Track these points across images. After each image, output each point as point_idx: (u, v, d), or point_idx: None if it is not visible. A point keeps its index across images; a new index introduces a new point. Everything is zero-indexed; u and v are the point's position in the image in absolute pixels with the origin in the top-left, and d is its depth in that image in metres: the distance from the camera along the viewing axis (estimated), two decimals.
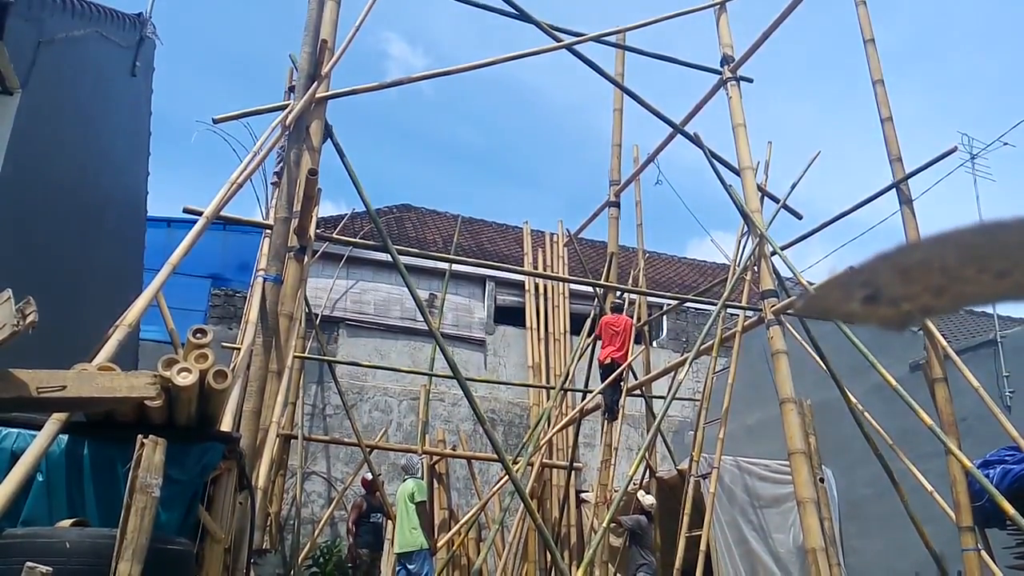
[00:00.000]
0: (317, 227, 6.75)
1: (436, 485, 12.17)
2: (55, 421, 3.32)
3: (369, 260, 13.92)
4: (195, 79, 41.96)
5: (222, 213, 5.48)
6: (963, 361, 7.44)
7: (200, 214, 5.14)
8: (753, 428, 11.56)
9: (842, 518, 10.14)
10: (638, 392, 10.72)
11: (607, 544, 9.62)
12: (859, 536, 10.13)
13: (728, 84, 8.65)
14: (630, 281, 12.63)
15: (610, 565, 9.91)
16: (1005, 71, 40.26)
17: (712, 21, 9.19)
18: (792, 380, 7.24)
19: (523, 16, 8.19)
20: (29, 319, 3.09)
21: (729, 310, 9.33)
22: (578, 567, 6.93)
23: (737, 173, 8.46)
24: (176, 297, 8.15)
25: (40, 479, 3.46)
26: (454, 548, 11.48)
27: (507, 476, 7.32)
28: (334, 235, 9.02)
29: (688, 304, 14.57)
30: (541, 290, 14.85)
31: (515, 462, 9.03)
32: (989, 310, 10.28)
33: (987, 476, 6.56)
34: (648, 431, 10.20)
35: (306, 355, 11.70)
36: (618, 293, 11.01)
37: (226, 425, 4.28)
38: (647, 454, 9.53)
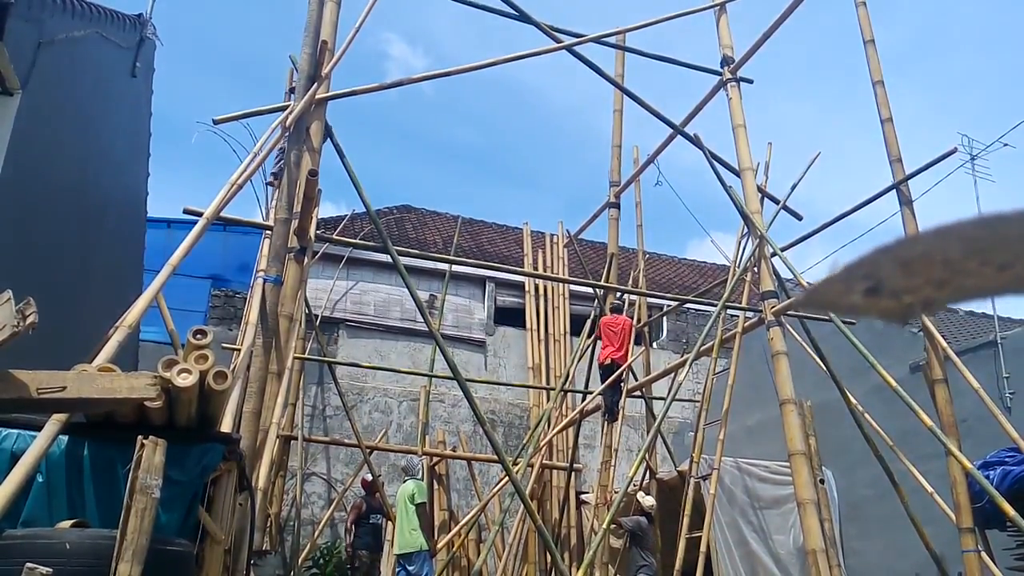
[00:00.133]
0: (317, 228, 6.75)
1: (436, 486, 12.17)
2: (55, 422, 3.32)
3: (369, 261, 13.91)
4: (195, 79, 42.00)
5: (222, 214, 5.48)
6: (963, 362, 7.44)
7: (200, 215, 5.14)
8: (753, 429, 11.56)
9: (842, 519, 10.13)
10: (638, 393, 10.72)
11: (607, 545, 9.61)
12: (859, 537, 10.12)
13: (728, 85, 8.65)
14: (630, 282, 12.63)
15: (610, 566, 9.90)
16: (1005, 71, 40.30)
17: (712, 22, 9.19)
18: (792, 381, 7.24)
19: (523, 17, 8.19)
20: (29, 320, 3.08)
21: (729, 311, 9.32)
22: (578, 568, 6.93)
23: (737, 174, 8.46)
24: (176, 298, 8.16)
25: (40, 480, 3.46)
26: (454, 549, 11.47)
27: (507, 477, 7.31)
28: (334, 236, 9.02)
29: (688, 305, 14.57)
30: (541, 291, 14.85)
31: (515, 463, 9.03)
32: (989, 311, 10.28)
33: (987, 477, 6.56)
34: (648, 432, 10.20)
35: (306, 356, 11.70)
36: (618, 294, 11.01)
37: (226, 426, 4.28)
38: (647, 455, 9.53)
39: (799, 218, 10.14)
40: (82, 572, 3.03)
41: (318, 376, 13.24)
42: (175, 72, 38.74)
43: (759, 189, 9.14)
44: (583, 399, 11.10)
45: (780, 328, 7.59)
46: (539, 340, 14.39)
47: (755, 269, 8.41)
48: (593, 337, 10.53)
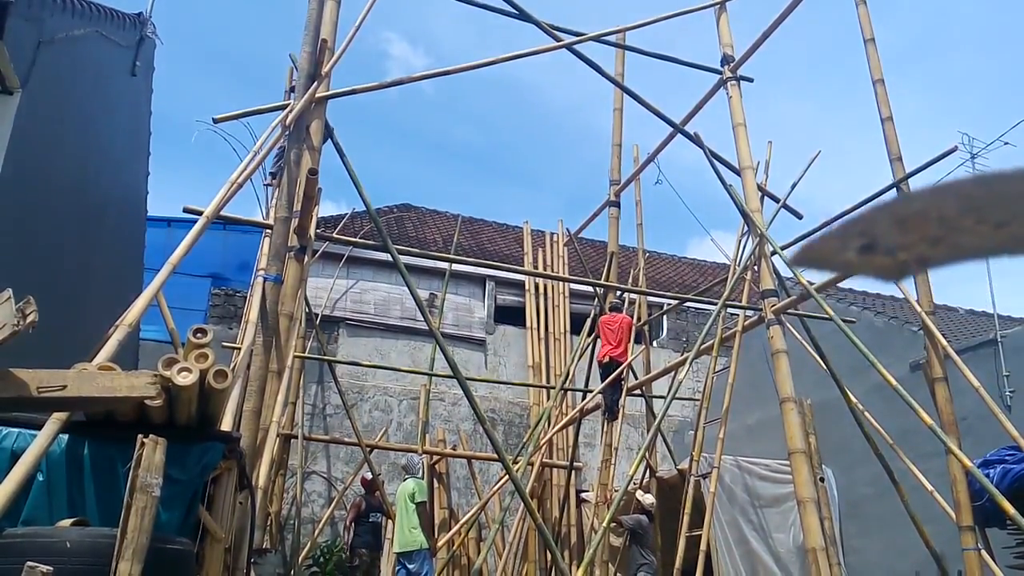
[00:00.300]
0: (317, 227, 6.75)
1: (436, 485, 12.17)
2: (55, 421, 3.32)
3: (369, 260, 13.91)
4: (195, 79, 41.99)
5: (222, 213, 5.48)
6: (963, 361, 7.43)
7: (200, 214, 5.14)
8: (753, 428, 11.56)
9: (842, 518, 10.14)
10: (638, 392, 10.73)
11: (607, 544, 9.62)
12: (859, 536, 10.13)
13: (728, 84, 8.65)
14: (630, 281, 12.64)
15: (610, 565, 9.91)
16: (1005, 71, 40.28)
17: (712, 21, 9.19)
18: (792, 380, 7.24)
19: (523, 16, 8.19)
20: (29, 319, 3.09)
21: (729, 310, 9.33)
22: (578, 567, 6.93)
23: (737, 173, 8.45)
24: (176, 297, 8.15)
25: (40, 479, 3.46)
26: (454, 548, 11.48)
27: (507, 476, 7.31)
28: (334, 235, 9.01)
29: (688, 304, 14.56)
30: (541, 290, 14.85)
31: (515, 462, 9.03)
32: (989, 310, 10.28)
33: (987, 476, 6.56)
34: (648, 431, 10.20)
35: (306, 355, 11.70)
36: (618, 293, 11.01)
37: (226, 425, 4.28)
38: (647, 454, 9.53)
39: (799, 217, 10.14)
40: (82, 571, 3.03)
41: (318, 375, 13.24)
42: (175, 71, 38.75)
43: (759, 188, 9.13)
44: (583, 397, 11.11)
45: (780, 327, 7.60)
46: (539, 339, 14.39)
47: (755, 268, 8.41)
48: (593, 336, 10.53)
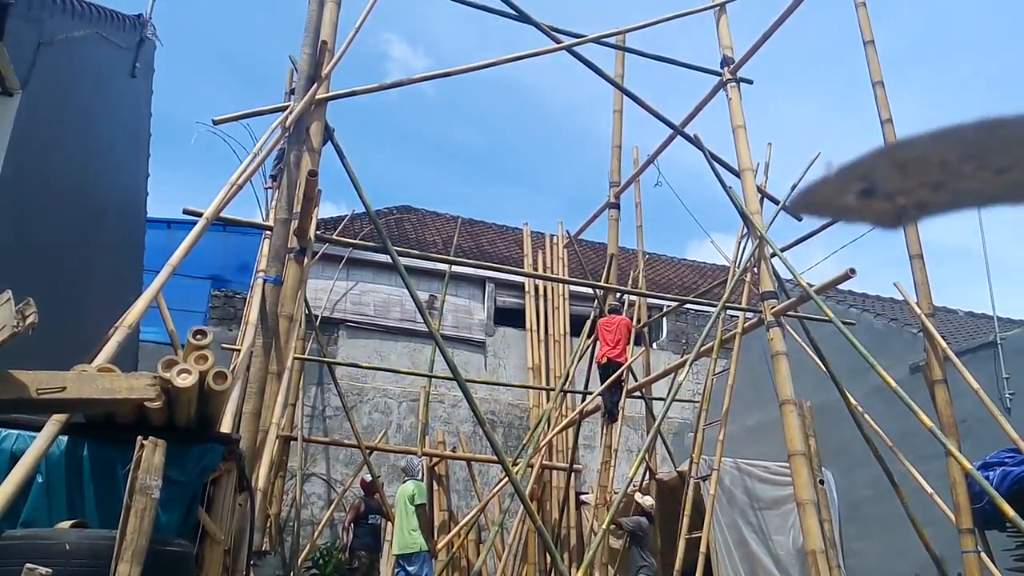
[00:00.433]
0: (317, 228, 6.75)
1: (436, 487, 12.17)
2: (55, 422, 3.31)
3: (369, 261, 13.91)
4: (195, 80, 42.01)
5: (222, 214, 5.48)
6: (963, 363, 7.44)
7: (200, 215, 5.14)
8: (753, 430, 11.56)
9: (842, 520, 10.13)
10: (638, 394, 10.72)
11: (607, 546, 9.62)
12: (859, 538, 10.12)
13: (728, 85, 8.65)
14: (630, 282, 12.63)
15: (610, 567, 9.91)
16: (1005, 71, 40.30)
17: (712, 22, 9.19)
18: (792, 382, 7.24)
19: (523, 17, 8.19)
20: (29, 320, 3.08)
21: (729, 312, 9.32)
22: (578, 569, 6.92)
23: (737, 175, 8.45)
24: (176, 298, 8.14)
25: (40, 480, 3.46)
26: (454, 550, 11.47)
27: (507, 478, 7.31)
28: (334, 236, 9.03)
29: (688, 306, 14.55)
30: (541, 291, 14.85)
31: (515, 464, 9.02)
32: (989, 312, 10.27)
33: (987, 478, 6.56)
34: (648, 433, 10.20)
35: (306, 356, 11.70)
36: (618, 294, 11.01)
37: (226, 426, 4.28)
38: (647, 456, 9.52)
39: (799, 219, 10.11)
40: (81, 572, 3.02)
41: (318, 376, 13.24)
42: (175, 72, 38.79)
43: (759, 189, 9.13)
44: (583, 399, 11.10)
45: (780, 329, 7.59)
46: (539, 341, 14.39)
47: (755, 270, 8.41)
48: (592, 338, 10.53)
